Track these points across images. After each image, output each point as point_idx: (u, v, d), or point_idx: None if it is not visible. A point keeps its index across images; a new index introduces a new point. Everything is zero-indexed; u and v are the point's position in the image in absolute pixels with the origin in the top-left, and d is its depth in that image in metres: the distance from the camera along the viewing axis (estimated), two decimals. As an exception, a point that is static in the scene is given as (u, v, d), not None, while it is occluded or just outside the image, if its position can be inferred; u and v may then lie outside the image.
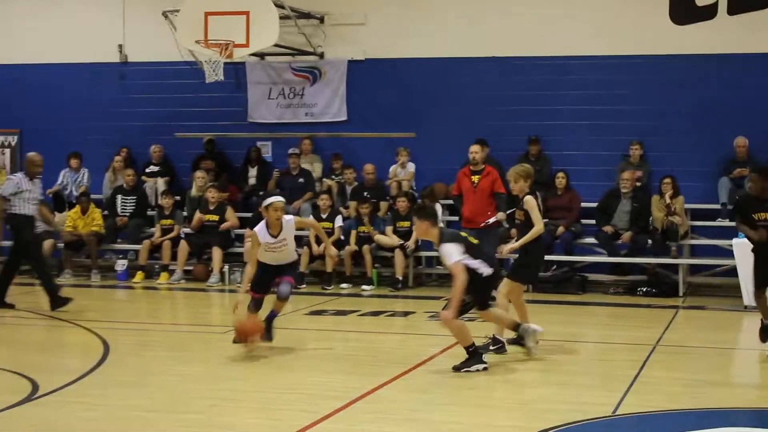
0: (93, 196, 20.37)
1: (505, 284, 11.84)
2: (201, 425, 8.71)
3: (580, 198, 18.67)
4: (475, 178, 16.93)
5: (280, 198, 11.15)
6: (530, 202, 11.82)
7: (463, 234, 11.29)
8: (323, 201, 18.81)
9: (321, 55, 20.78)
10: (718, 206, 18.33)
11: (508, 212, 16.81)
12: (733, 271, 16.12)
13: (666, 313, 15.82)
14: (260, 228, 11.12)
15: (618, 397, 9.85)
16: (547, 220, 15.73)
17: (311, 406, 9.19)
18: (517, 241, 12.49)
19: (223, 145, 21.06)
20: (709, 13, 19.01)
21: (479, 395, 10.41)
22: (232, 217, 19.22)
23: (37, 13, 21.80)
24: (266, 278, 11.51)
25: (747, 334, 14.17)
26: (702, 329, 14.56)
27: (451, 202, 18.57)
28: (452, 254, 10.26)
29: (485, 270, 10.50)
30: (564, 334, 13.42)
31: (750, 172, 13.52)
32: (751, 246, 11.71)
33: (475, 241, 10.92)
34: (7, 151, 22.50)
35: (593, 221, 18.44)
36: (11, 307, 15.41)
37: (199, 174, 19.86)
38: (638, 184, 18.40)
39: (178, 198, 20.23)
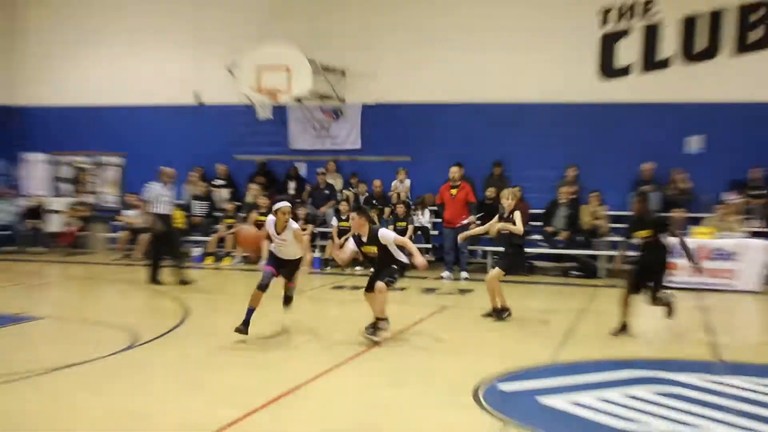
0: (176, 202, 20.56)
1: (495, 271, 12.05)
2: (255, 354, 9.08)
3: (529, 206, 18.55)
4: (454, 191, 17.29)
5: (287, 204, 10.30)
6: (517, 215, 11.98)
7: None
8: (343, 207, 18.79)
9: (342, 100, 20.72)
10: (629, 213, 18.40)
11: (477, 216, 17.19)
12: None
13: (590, 289, 15.94)
14: (270, 221, 10.31)
15: (555, 349, 10.14)
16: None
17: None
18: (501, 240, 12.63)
19: (270, 165, 21.07)
20: (625, 72, 19.23)
21: (453, 346, 10.37)
22: None
23: (140, 68, 21.92)
24: (275, 261, 10.39)
25: (645, 305, 14.37)
26: (615, 301, 14.72)
27: (435, 208, 18.78)
28: (390, 234, 10.22)
29: (403, 258, 10.23)
30: (517, 305, 13.51)
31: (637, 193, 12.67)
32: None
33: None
34: (119, 168, 22.62)
35: (540, 223, 18.44)
36: (161, 284, 15.35)
37: (253, 186, 19.99)
38: (573, 196, 18.44)
39: (237, 203, 20.35)
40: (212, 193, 20.82)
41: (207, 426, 6.62)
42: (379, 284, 9.99)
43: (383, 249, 10.08)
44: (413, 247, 10.14)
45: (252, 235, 9.80)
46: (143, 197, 16.14)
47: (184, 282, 15.38)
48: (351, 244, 10.28)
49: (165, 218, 15.51)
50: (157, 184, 15.58)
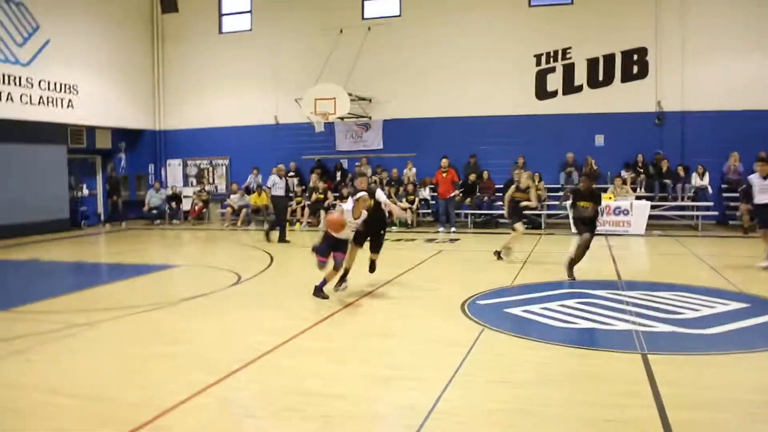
0: (266, 186, 20.77)
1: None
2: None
3: (494, 184, 18.65)
4: (444, 174, 17.32)
5: (365, 193, 8.51)
6: (531, 190, 11.78)
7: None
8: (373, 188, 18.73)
9: (370, 117, 20.76)
10: (559, 185, 18.49)
11: (460, 190, 17.24)
12: (567, 217, 16.19)
13: (536, 237, 15.92)
14: (348, 207, 8.35)
15: (515, 275, 10.27)
16: (479, 193, 15.87)
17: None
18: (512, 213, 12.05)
19: (324, 162, 21.10)
20: (553, 95, 19.15)
21: (447, 277, 10.42)
22: (330, 196, 19.37)
23: (239, 101, 22.07)
24: (329, 247, 8.41)
25: (572, 245, 14.35)
26: (554, 243, 14.84)
27: (433, 186, 18.82)
28: (382, 194, 9.08)
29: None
30: (484, 249, 13.55)
31: (580, 173, 11.88)
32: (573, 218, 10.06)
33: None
34: (225, 166, 22.68)
35: (501, 194, 18.32)
36: (288, 242, 15.15)
37: (314, 176, 20.13)
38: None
39: (303, 187, 20.46)
40: (287, 180, 20.65)
41: (290, 330, 6.77)
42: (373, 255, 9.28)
43: (377, 204, 8.94)
44: (393, 207, 9.27)
45: (337, 219, 8.09)
46: (264, 185, 16.42)
47: (285, 240, 15.22)
48: (347, 205, 8.56)
49: (279, 198, 15.49)
50: (274, 176, 15.68)
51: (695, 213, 17.15)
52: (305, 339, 6.66)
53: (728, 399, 4.88)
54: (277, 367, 5.73)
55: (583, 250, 9.73)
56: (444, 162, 17.65)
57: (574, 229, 10.73)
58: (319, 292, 8.45)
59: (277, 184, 15.43)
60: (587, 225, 9.79)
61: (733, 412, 4.63)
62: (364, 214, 8.41)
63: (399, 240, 15.70)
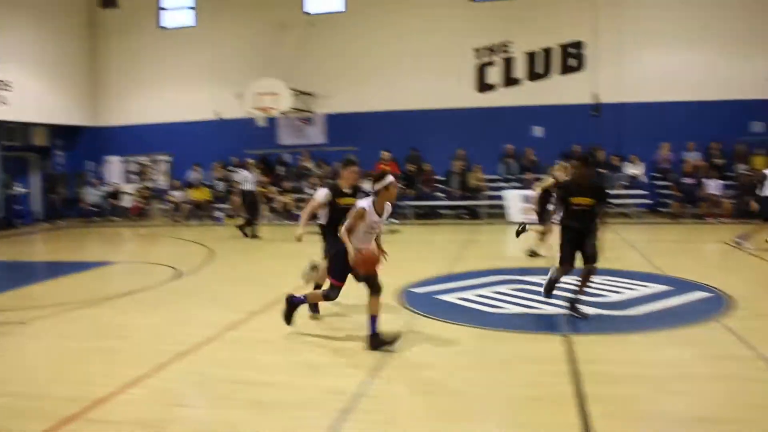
0: (205, 182, 20.68)
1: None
2: (254, 282, 9.20)
3: (435, 175, 18.87)
4: (384, 165, 17.42)
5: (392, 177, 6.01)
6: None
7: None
8: (312, 180, 18.74)
9: (312, 112, 20.74)
10: (499, 177, 18.81)
11: (401, 183, 17.32)
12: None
13: (474, 227, 16.16)
14: (367, 205, 5.94)
15: (451, 264, 10.34)
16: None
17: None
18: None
19: (268, 156, 21.00)
20: (492, 87, 19.48)
21: (385, 267, 10.88)
22: (272, 191, 19.10)
23: (180, 97, 21.83)
24: (345, 269, 6.02)
25: (508, 235, 14.37)
26: (493, 233, 15.18)
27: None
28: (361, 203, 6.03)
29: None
30: (424, 240, 13.61)
31: (571, 160, 9.66)
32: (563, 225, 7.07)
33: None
34: (169, 163, 22.38)
35: (443, 186, 18.71)
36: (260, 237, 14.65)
37: (257, 169, 19.93)
38: (463, 167, 18.70)
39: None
40: (229, 176, 20.58)
41: (226, 323, 6.83)
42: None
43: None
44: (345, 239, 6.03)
45: (370, 256, 5.85)
46: (236, 179, 15.67)
47: (256, 236, 14.76)
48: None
49: (250, 194, 15.02)
50: (244, 171, 15.44)
51: (628, 201, 17.70)
52: (241, 330, 6.75)
53: (641, 374, 5.20)
54: (211, 359, 5.82)
55: (585, 282, 7.04)
56: (385, 155, 17.77)
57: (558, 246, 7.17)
58: (293, 312, 6.60)
59: (248, 179, 15.15)
60: (585, 236, 6.88)
61: (644, 386, 4.94)
62: (389, 209, 6.11)
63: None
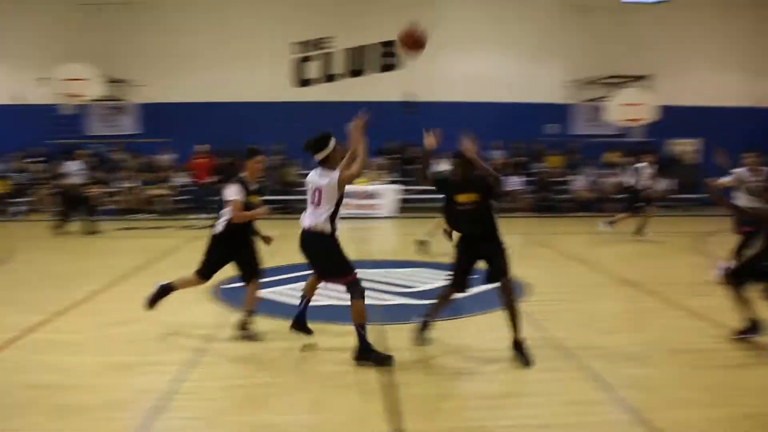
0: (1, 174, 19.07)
1: None
2: (53, 286, 8.75)
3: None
4: (201, 158, 16.97)
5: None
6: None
7: None
8: (123, 173, 17.97)
9: (125, 101, 19.88)
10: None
11: (219, 176, 16.93)
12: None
13: (291, 219, 16.25)
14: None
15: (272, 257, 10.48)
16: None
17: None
18: None
19: (74, 145, 19.78)
20: (313, 82, 19.74)
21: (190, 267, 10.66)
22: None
23: None
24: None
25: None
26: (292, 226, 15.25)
27: (191, 172, 18.40)
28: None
29: None
30: None
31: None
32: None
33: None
34: None
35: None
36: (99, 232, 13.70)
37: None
38: (281, 162, 18.59)
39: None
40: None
41: (26, 324, 6.45)
42: None
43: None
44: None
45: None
46: (62, 171, 14.09)
47: (95, 232, 13.79)
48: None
49: (73, 188, 13.82)
50: (70, 163, 14.06)
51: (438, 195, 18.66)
52: (42, 332, 6.43)
53: (440, 357, 5.64)
54: (8, 364, 5.50)
55: (510, 308, 5.69)
56: (201, 147, 17.46)
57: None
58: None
59: (73, 171, 13.97)
60: (483, 240, 5.79)
61: (441, 371, 5.38)
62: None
63: (157, 228, 15.35)
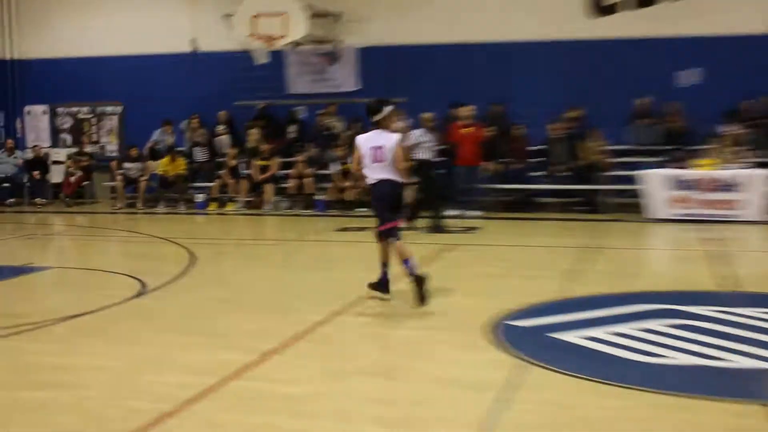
0: (178, 149, 20.62)
1: None
2: (267, 309, 9.07)
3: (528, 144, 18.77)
4: (466, 130, 17.17)
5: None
6: None
7: None
8: (340, 151, 18.82)
9: (338, 43, 20.69)
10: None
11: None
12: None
13: (597, 221, 16.16)
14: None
15: (562, 284, 10.16)
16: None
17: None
18: None
19: (270, 110, 21.00)
20: (614, 9, 19.14)
21: (462, 285, 10.26)
22: (276, 163, 19.35)
23: (135, 17, 21.85)
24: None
25: (651, 239, 14.44)
26: (626, 236, 14.88)
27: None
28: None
29: None
30: (520, 242, 13.50)
31: None
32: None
33: None
34: (116, 117, 22.48)
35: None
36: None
37: (253, 131, 19.95)
38: (569, 131, 18.36)
39: (239, 148, 20.26)
40: (213, 139, 20.65)
41: (226, 367, 6.64)
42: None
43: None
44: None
45: None
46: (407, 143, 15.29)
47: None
48: None
49: (427, 164, 15.01)
50: (418, 131, 15.27)
51: None
52: (251, 380, 6.49)
53: None
54: (208, 425, 5.56)
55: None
56: (465, 111, 17.30)
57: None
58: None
59: (423, 143, 15.05)
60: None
61: None
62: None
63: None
